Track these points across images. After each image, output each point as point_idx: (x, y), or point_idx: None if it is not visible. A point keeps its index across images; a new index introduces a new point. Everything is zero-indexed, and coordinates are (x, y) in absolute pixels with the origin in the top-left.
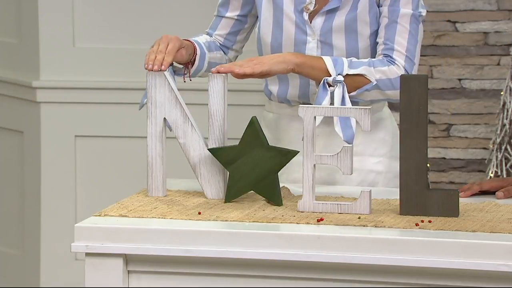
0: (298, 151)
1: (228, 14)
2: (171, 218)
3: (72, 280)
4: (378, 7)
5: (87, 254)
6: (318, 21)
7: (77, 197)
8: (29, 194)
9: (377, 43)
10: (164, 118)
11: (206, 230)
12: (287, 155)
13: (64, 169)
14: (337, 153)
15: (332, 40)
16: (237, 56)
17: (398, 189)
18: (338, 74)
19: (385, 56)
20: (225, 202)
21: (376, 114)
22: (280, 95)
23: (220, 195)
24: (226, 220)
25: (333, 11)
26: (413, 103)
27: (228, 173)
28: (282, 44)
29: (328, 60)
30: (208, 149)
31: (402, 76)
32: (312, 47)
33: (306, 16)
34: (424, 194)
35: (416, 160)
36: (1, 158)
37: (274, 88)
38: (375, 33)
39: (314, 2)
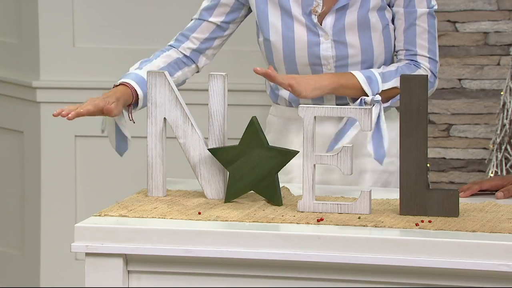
0: (298, 151)
1: (211, 19)
2: (171, 218)
3: (72, 280)
4: (390, 6)
5: (87, 254)
6: (329, 21)
7: (77, 197)
8: (29, 194)
9: (395, 45)
10: (164, 118)
11: (206, 230)
12: (287, 155)
13: (64, 169)
14: (337, 153)
15: (345, 38)
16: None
17: (398, 189)
18: (376, 94)
19: (410, 61)
20: (225, 202)
21: (385, 113)
22: (292, 99)
23: (220, 195)
24: (226, 220)
25: (343, 8)
26: (413, 103)
27: (228, 173)
28: (295, 48)
29: (361, 79)
30: (208, 149)
31: (402, 76)
32: (326, 47)
33: (315, 18)
34: (424, 194)
35: (416, 160)
36: (1, 158)
37: (285, 93)
38: (387, 27)
39: (321, 4)
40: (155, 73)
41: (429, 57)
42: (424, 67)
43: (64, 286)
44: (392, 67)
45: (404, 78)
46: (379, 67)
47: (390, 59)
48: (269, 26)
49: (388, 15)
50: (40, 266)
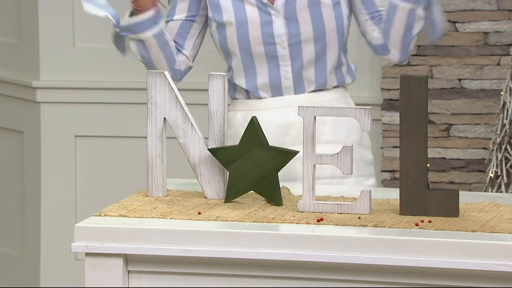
0: (298, 151)
1: (175, 17)
2: (171, 218)
3: (72, 280)
4: None
5: (87, 254)
6: (280, 0)
7: (77, 197)
8: (29, 194)
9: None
10: (164, 118)
11: (206, 230)
12: (287, 155)
13: (64, 169)
14: (337, 153)
15: (297, 15)
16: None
17: (398, 189)
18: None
19: None
20: (225, 202)
21: (344, 102)
22: (250, 87)
23: (220, 195)
24: (226, 220)
25: None
26: (413, 103)
27: (228, 173)
28: (248, 29)
29: None
30: (208, 149)
31: (402, 76)
32: (279, 25)
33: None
34: (424, 194)
35: (416, 160)
36: (1, 158)
37: (242, 80)
38: (337, 5)
39: None
40: (155, 73)
41: None
42: None
43: (64, 286)
44: None
45: (404, 78)
46: (332, 45)
47: (343, 38)
48: (222, 10)
49: None
50: (40, 266)
